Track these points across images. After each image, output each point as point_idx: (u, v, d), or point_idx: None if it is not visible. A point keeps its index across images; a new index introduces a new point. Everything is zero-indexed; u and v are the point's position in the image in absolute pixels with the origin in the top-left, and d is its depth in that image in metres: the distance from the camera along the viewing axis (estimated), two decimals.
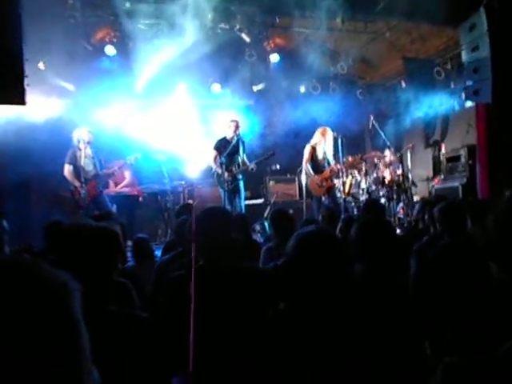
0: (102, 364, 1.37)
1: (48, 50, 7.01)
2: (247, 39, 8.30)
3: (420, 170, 9.34)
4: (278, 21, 8.25)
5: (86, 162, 6.83)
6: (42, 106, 7.66)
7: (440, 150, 9.14)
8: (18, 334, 0.54)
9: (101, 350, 1.40)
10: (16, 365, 0.53)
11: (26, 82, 4.67)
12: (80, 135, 6.80)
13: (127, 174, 7.82)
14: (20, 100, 4.74)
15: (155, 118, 9.07)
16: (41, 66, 7.36)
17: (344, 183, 8.15)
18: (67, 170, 6.81)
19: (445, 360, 0.97)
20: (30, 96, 4.75)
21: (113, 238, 1.62)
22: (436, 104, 8.98)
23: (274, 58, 9.39)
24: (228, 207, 7.19)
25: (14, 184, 7.22)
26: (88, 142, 6.82)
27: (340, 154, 7.62)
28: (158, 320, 2.01)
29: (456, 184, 7.94)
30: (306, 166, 7.75)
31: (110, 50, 7.98)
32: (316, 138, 7.73)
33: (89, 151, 6.85)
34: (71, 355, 0.58)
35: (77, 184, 6.76)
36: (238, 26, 7.94)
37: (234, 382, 1.65)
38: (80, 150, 6.80)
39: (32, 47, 4.80)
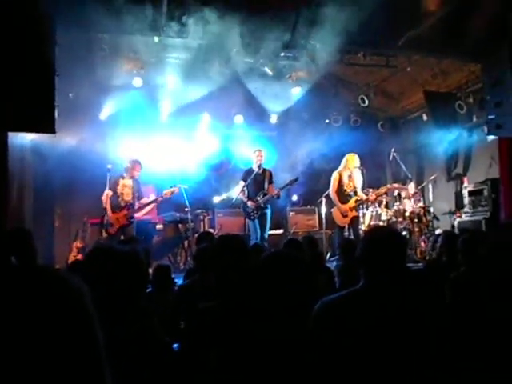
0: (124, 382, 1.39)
1: (77, 80, 7.24)
2: (270, 73, 8.46)
3: (442, 204, 9.23)
4: (300, 55, 8.41)
5: (125, 191, 6.97)
6: (70, 134, 7.89)
7: (462, 183, 9.04)
8: (46, 326, 0.63)
9: (124, 370, 1.42)
10: (46, 351, 0.62)
11: (56, 111, 4.87)
12: (130, 166, 7.01)
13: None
14: (50, 129, 4.94)
15: (178, 147, 9.23)
16: (71, 96, 7.62)
17: (364, 215, 8.11)
18: (106, 195, 6.85)
19: None
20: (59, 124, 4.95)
21: (138, 262, 1.65)
22: (458, 137, 8.94)
23: (296, 90, 9.54)
24: (253, 236, 7.18)
25: (38, 208, 7.39)
26: (133, 176, 7.01)
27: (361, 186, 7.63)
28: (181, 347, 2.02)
29: (479, 218, 7.82)
30: (332, 195, 7.72)
31: (137, 81, 8.20)
32: (342, 165, 7.75)
33: (130, 181, 7.01)
34: (91, 345, 0.66)
35: (108, 211, 6.85)
36: (261, 60, 8.12)
37: None
38: (123, 178, 7.00)
39: (63, 78, 4.97)
